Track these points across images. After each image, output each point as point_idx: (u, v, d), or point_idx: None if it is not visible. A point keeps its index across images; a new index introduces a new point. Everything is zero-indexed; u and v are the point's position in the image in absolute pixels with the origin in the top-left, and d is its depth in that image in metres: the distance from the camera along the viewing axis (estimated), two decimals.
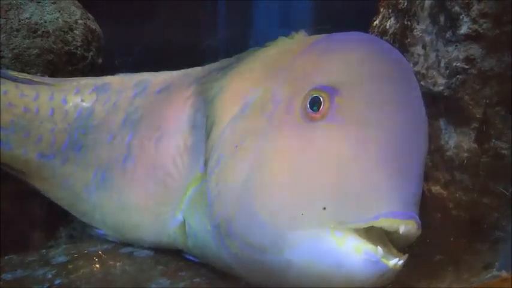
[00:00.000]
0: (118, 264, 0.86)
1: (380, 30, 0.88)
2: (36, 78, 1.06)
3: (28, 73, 1.09)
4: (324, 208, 0.65)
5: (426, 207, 0.74)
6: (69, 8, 1.20)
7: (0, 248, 0.93)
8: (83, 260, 0.87)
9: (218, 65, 0.93)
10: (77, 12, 1.21)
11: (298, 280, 0.67)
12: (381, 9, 0.89)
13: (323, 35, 0.82)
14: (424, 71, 0.79)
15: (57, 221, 1.10)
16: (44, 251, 0.91)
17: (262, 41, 0.89)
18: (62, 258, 0.88)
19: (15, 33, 1.11)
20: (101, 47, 1.26)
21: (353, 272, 0.63)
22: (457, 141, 0.76)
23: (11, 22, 1.11)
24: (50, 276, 0.82)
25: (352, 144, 0.66)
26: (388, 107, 0.68)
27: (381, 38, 0.86)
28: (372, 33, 0.91)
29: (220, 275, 0.80)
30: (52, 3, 1.18)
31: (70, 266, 0.85)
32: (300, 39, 0.84)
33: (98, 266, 0.86)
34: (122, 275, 0.83)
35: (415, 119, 0.70)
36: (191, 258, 0.86)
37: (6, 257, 0.88)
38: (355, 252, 0.63)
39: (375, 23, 0.90)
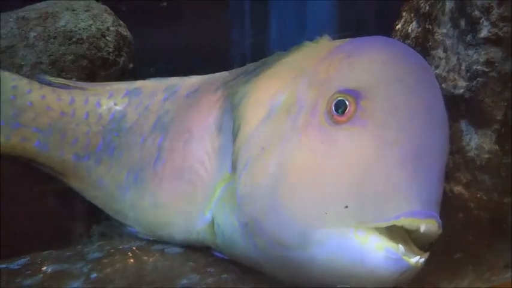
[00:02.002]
0: (150, 260, 0.88)
1: (402, 34, 0.89)
2: (72, 83, 1.10)
3: (64, 78, 1.13)
4: (347, 207, 0.67)
5: (448, 208, 0.75)
6: (101, 16, 1.24)
7: (38, 243, 0.98)
8: (116, 256, 0.90)
9: (245, 69, 0.95)
10: (109, 19, 1.25)
11: (321, 276, 0.69)
12: (403, 14, 0.91)
13: (347, 39, 0.84)
14: (445, 74, 0.80)
15: (91, 219, 1.14)
16: (79, 246, 0.95)
17: (287, 45, 0.91)
18: (96, 254, 0.91)
19: (52, 40, 1.16)
20: (131, 52, 1.30)
21: (375, 269, 0.66)
22: (478, 143, 0.77)
23: (48, 30, 1.16)
24: (85, 270, 0.85)
25: (374, 146, 0.68)
26: (410, 110, 0.70)
27: (403, 41, 0.88)
28: (394, 37, 0.93)
29: (247, 272, 0.82)
30: (86, 11, 1.22)
31: (104, 261, 0.88)
32: (324, 43, 0.86)
33: (130, 261, 0.88)
34: (153, 271, 0.85)
35: (436, 122, 0.71)
36: (219, 255, 0.88)
37: (46, 252, 0.91)
38: (377, 250, 0.66)
39: (397, 27, 0.91)
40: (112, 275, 0.84)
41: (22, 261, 0.89)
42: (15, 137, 1.02)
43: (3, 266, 0.88)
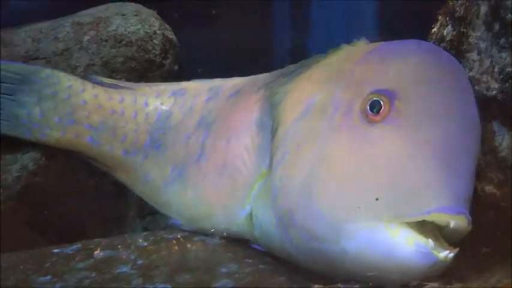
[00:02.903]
0: (192, 249, 0.94)
1: (438, 37, 0.91)
2: (122, 83, 1.17)
3: (114, 79, 1.20)
4: (379, 202, 0.70)
5: (479, 206, 0.77)
6: (149, 20, 1.30)
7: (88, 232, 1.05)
8: (161, 245, 0.95)
9: (284, 71, 0.99)
10: (156, 23, 1.31)
11: (353, 268, 0.72)
12: (439, 17, 0.93)
13: (382, 42, 0.87)
14: (478, 76, 0.82)
15: (136, 213, 1.21)
16: (126, 235, 1.01)
17: (327, 46, 0.94)
18: (143, 243, 0.97)
19: (104, 43, 1.23)
20: (177, 54, 1.35)
21: (405, 262, 0.68)
22: (510, 143, 0.79)
23: (101, 33, 1.23)
24: (133, 257, 0.91)
25: (407, 144, 0.71)
26: (442, 110, 0.73)
27: (439, 44, 0.90)
28: (430, 40, 0.95)
29: (282, 264, 0.85)
30: (135, 15, 1.29)
31: (150, 249, 0.94)
32: (361, 46, 0.89)
33: (174, 250, 0.94)
34: (195, 259, 0.91)
35: (468, 122, 0.74)
36: (257, 247, 0.92)
37: (96, 239, 0.98)
38: (407, 244, 0.68)
39: (433, 30, 0.94)
40: (157, 261, 0.89)
41: (75, 247, 0.96)
42: (69, 133, 1.10)
43: (58, 250, 0.95)
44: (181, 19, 1.56)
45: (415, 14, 1.51)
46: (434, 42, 0.92)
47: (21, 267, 0.89)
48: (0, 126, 1.09)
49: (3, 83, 1.10)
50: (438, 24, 0.92)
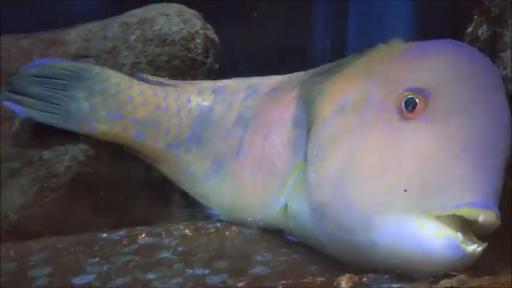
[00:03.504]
0: (229, 238, 0.99)
1: (473, 36, 0.93)
2: (166, 81, 1.21)
3: (159, 76, 1.24)
4: (409, 195, 0.73)
5: (509, 201, 0.79)
6: (192, 20, 1.34)
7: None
8: (200, 234, 1.01)
9: (320, 69, 1.02)
10: (198, 24, 1.34)
11: (383, 259, 0.75)
12: (475, 17, 0.94)
13: (417, 42, 0.89)
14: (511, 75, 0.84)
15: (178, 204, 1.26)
16: (168, 224, 1.06)
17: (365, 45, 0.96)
18: (182, 231, 1.02)
19: (149, 42, 1.27)
20: (217, 53, 1.39)
21: (433, 255, 0.71)
22: None
23: (146, 33, 1.28)
24: (173, 244, 0.96)
25: (438, 140, 0.74)
26: (474, 108, 0.75)
27: (473, 44, 0.92)
28: (465, 40, 0.97)
29: (316, 254, 0.88)
30: (178, 16, 1.32)
31: (190, 237, 0.99)
32: (396, 45, 0.91)
33: (212, 238, 0.99)
34: (232, 247, 0.95)
35: (498, 120, 0.76)
36: (291, 238, 0.95)
37: (139, 227, 1.03)
38: (436, 237, 0.71)
39: (468, 30, 0.95)
40: (196, 248, 0.94)
41: (120, 233, 1.02)
42: (117, 127, 1.15)
43: (105, 235, 1.01)
44: (222, 18, 1.60)
45: (453, 15, 1.51)
46: (469, 42, 0.94)
47: (73, 249, 0.96)
48: (54, 119, 1.15)
49: (57, 79, 1.16)
50: (473, 24, 0.94)
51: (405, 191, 0.73)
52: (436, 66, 0.78)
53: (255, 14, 1.76)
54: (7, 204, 1.12)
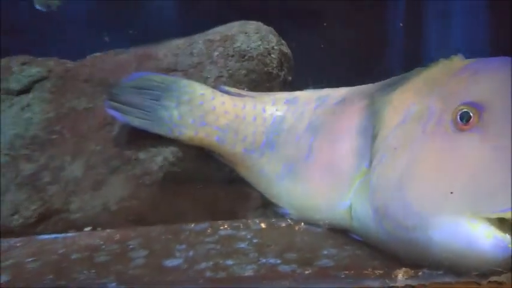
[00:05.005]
0: (298, 234, 1.06)
1: None
2: (244, 92, 1.30)
3: (238, 88, 1.32)
4: (462, 199, 0.79)
5: None
6: (268, 37, 1.41)
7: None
8: (273, 229, 1.08)
9: (387, 82, 1.08)
10: (273, 40, 1.41)
11: (437, 255, 0.81)
12: None
13: (476, 58, 0.95)
14: None
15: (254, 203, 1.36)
16: (243, 219, 1.15)
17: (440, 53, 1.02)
18: (257, 226, 1.11)
19: (230, 58, 1.35)
20: (291, 67, 1.46)
21: (482, 253, 0.77)
22: None
23: (227, 50, 1.36)
24: (249, 236, 1.04)
25: (490, 150, 0.80)
26: None
27: None
28: None
29: (377, 251, 0.93)
30: (255, 33, 1.40)
31: (264, 232, 1.07)
32: (457, 61, 0.97)
33: (283, 234, 1.07)
34: (301, 242, 1.02)
35: None
36: (355, 236, 1.00)
37: (219, 221, 1.13)
38: (486, 237, 0.76)
39: None
40: (269, 241, 1.02)
41: (203, 225, 1.11)
42: (201, 133, 1.26)
43: (190, 227, 1.11)
44: (295, 32, 1.68)
45: None
46: None
47: (163, 237, 1.08)
48: (148, 125, 1.28)
49: (151, 90, 1.29)
50: None
51: (458, 194, 0.79)
52: (489, 83, 0.84)
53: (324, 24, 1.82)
54: (108, 197, 1.27)
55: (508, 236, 0.77)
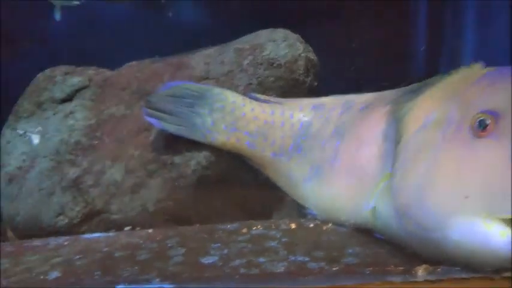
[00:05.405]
0: (325, 234, 1.10)
1: None
2: (273, 99, 1.34)
3: (267, 95, 1.36)
4: (478, 201, 0.83)
5: None
6: (295, 44, 1.44)
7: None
8: (300, 229, 1.12)
9: (409, 88, 1.11)
10: (300, 47, 1.44)
11: (453, 253, 0.86)
12: None
13: (496, 67, 0.99)
14: None
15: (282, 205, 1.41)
16: (272, 219, 1.21)
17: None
18: (285, 226, 1.13)
19: (259, 66, 1.40)
20: (316, 73, 1.50)
21: (497, 251, 0.80)
22: None
23: (257, 58, 1.41)
24: (279, 235, 1.08)
25: (505, 155, 0.83)
26: None
27: None
28: None
29: (398, 249, 0.96)
30: (283, 41, 1.44)
31: (292, 231, 1.10)
32: (477, 70, 1.00)
33: (310, 233, 1.11)
34: (327, 241, 1.05)
35: None
36: (378, 236, 1.03)
37: (248, 221, 1.17)
38: (500, 236, 0.80)
39: None
40: (297, 240, 1.05)
41: (235, 225, 1.15)
42: (232, 138, 1.32)
43: (223, 227, 1.15)
44: (322, 39, 1.72)
45: None
46: None
47: (198, 236, 1.12)
48: (183, 131, 1.35)
49: (186, 98, 1.35)
50: None
51: (475, 196, 0.84)
52: (505, 93, 0.88)
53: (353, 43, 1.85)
54: (146, 199, 1.35)
55: None
